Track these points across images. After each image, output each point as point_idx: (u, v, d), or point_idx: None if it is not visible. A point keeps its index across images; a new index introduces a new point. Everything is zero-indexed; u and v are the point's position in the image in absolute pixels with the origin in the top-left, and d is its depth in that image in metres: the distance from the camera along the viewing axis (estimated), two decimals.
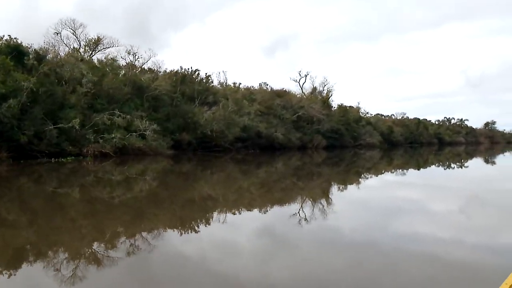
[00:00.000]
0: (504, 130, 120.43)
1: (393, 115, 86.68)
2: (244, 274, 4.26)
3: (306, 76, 58.75)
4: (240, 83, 50.52)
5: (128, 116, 26.37)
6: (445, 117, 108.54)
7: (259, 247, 5.45)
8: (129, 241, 5.96)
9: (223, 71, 69.67)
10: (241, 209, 8.60)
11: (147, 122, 27.15)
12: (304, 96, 57.58)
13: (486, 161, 30.23)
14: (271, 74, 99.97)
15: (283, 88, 52.20)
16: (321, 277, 3.92)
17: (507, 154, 42.90)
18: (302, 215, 7.49)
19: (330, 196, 11.05)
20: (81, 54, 32.29)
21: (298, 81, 59.20)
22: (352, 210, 8.44)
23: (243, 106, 38.89)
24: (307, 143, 47.05)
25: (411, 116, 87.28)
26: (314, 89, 58.16)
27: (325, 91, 58.61)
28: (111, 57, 33.40)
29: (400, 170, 21.46)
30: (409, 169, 22.20)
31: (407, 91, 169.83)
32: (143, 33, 72.65)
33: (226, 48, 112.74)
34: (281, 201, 9.91)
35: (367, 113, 73.83)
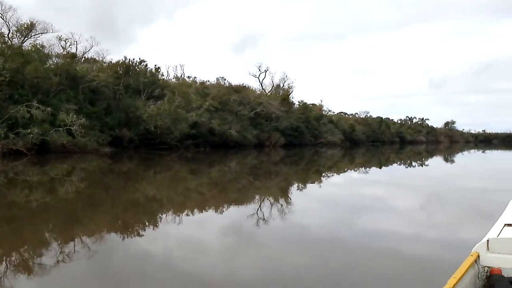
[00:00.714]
0: (463, 129, 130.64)
1: (357, 113, 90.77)
2: (209, 274, 4.37)
3: (266, 71, 59.51)
4: (196, 77, 50.11)
5: (49, 109, 24.57)
6: (407, 116, 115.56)
7: (222, 246, 5.58)
8: (61, 247, 5.70)
9: (180, 65, 67.96)
10: (195, 210, 8.48)
11: (75, 116, 25.63)
12: (264, 92, 58.26)
13: (446, 160, 32.19)
14: (239, 71, 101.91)
15: (242, 84, 52.67)
16: (286, 274, 4.12)
17: (465, 153, 45.81)
18: (262, 214, 7.62)
19: (291, 194, 11.24)
20: (7, 39, 29.79)
21: (257, 76, 59.89)
22: (315, 208, 8.68)
23: (191, 101, 38.29)
24: (264, 141, 47.57)
25: (375, 115, 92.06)
26: (277, 86, 59.18)
27: (285, 87, 59.63)
28: (46, 44, 31.44)
29: (362, 168, 22.33)
30: (371, 168, 23.14)
31: (372, 91, 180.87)
32: (109, 27, 71.61)
33: (194, 45, 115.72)
34: (238, 201, 9.88)
35: (329, 111, 76.25)
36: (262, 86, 60.09)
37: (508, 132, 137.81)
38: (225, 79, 52.60)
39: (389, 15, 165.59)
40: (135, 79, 37.16)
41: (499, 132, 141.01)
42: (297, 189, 12.92)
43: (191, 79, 49.65)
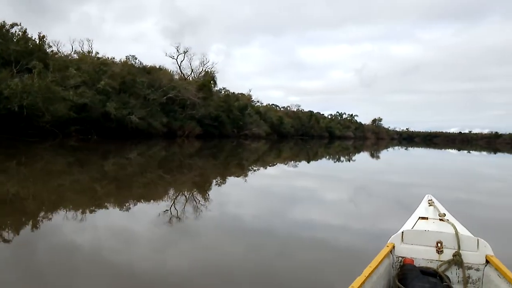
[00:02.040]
0: (389, 127, 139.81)
1: (289, 106, 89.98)
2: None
3: (185, 53, 54.22)
4: (98, 53, 43.02)
5: None
6: (337, 112, 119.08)
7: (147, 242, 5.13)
8: None
9: (88, 40, 58.68)
10: (92, 207, 7.17)
11: None
12: (183, 77, 53.43)
13: (372, 156, 32.73)
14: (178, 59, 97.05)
15: (157, 65, 47.35)
16: (218, 263, 4.26)
17: (390, 149, 47.87)
18: (181, 208, 7.21)
19: (213, 188, 10.69)
20: None
21: (175, 58, 54.72)
22: (242, 201, 8.65)
23: (71, 76, 31.64)
24: (176, 131, 43.11)
25: (307, 110, 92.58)
26: (198, 70, 54.75)
27: (207, 71, 55.24)
28: None
29: (292, 162, 21.61)
30: (300, 162, 22.40)
31: (307, 86, 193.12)
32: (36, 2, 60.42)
33: (130, 28, 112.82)
34: (149, 197, 8.65)
35: (258, 101, 73.97)
36: (180, 69, 55.25)
37: (429, 131, 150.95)
38: (136, 58, 46.40)
39: (326, 13, 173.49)
40: (3, 46, 29.93)
41: (421, 130, 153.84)
42: (220, 183, 11.96)
43: (92, 54, 42.47)
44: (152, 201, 8.19)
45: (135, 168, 14.67)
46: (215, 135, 48.32)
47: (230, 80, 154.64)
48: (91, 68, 36.53)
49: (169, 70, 50.30)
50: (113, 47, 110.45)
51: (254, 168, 16.85)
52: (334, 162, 23.71)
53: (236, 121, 55.27)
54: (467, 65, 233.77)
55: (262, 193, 9.92)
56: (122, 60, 44.59)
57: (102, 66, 37.67)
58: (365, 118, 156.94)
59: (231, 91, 64.63)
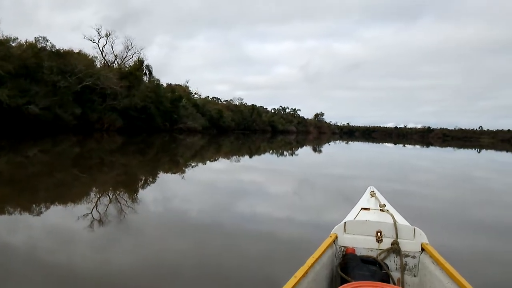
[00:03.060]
0: (331, 121, 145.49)
1: (232, 100, 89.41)
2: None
3: (107, 36, 48.88)
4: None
5: None
6: (280, 106, 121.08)
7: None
8: None
9: None
10: None
11: None
12: (107, 64, 48.96)
13: (315, 150, 33.76)
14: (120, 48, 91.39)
15: (76, 49, 42.01)
16: (164, 260, 4.25)
17: (332, 143, 49.94)
18: (97, 214, 6.36)
19: (145, 186, 10.20)
20: None
21: (97, 42, 49.74)
22: (186, 197, 8.54)
23: None
24: (94, 124, 39.22)
25: (254, 105, 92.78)
26: (139, 60, 50.63)
27: (138, 58, 50.89)
28: None
29: (232, 157, 21.20)
30: (242, 156, 22.03)
31: (254, 81, 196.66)
32: None
33: (68, 17, 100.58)
34: (62, 199, 7.69)
35: (195, 94, 72.18)
36: (103, 55, 49.92)
37: (368, 126, 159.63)
38: (47, 40, 39.02)
39: (274, 9, 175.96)
40: None
41: (361, 125, 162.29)
42: (153, 180, 11.23)
43: None
44: (72, 203, 7.30)
45: (40, 167, 12.75)
46: (142, 128, 44.85)
47: (175, 74, 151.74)
48: None
49: (89, 55, 44.73)
50: (51, 36, 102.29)
51: (192, 164, 16.19)
52: (278, 156, 23.85)
53: (169, 114, 52.02)
54: (404, 63, 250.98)
55: (205, 190, 9.69)
56: (28, 42, 37.34)
57: None
58: (308, 113, 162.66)
59: (175, 84, 62.55)
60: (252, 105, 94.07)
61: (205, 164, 17.07)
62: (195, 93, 71.64)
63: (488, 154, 36.77)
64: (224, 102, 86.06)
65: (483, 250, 5.03)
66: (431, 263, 2.46)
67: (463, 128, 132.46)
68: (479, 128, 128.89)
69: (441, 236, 5.08)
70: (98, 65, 46.62)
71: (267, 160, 21.15)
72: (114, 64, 50.09)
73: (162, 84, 57.25)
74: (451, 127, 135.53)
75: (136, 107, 44.22)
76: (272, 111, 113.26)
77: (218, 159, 19.88)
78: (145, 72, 52.79)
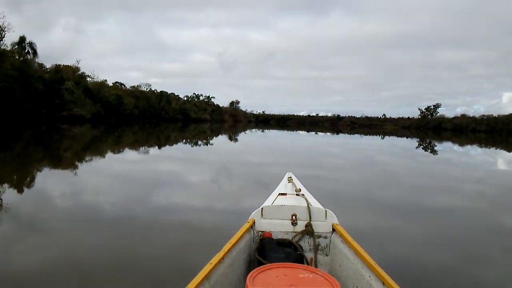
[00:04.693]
0: (246, 110, 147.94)
1: (139, 86, 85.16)
2: None
3: None
4: None
5: None
6: (193, 93, 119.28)
7: None
8: None
9: None
10: None
11: None
12: None
13: (231, 139, 34.28)
14: (17, 29, 78.63)
15: None
16: (78, 258, 4.13)
17: (248, 132, 51.51)
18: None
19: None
20: None
21: None
22: (97, 190, 8.29)
23: None
24: None
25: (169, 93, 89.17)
26: None
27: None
28: None
29: (139, 148, 20.25)
30: (150, 147, 21.21)
31: (169, 69, 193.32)
32: None
33: None
34: None
35: (89, 76, 64.19)
36: None
37: (282, 114, 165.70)
38: None
39: None
40: None
41: (275, 113, 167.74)
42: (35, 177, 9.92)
43: None
44: None
45: None
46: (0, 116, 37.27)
47: (84, 59, 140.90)
48: None
49: None
50: None
51: (87, 159, 14.31)
52: (192, 146, 23.52)
53: (46, 98, 44.92)
54: (315, 54, 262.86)
55: (114, 183, 9.32)
56: None
57: None
58: (224, 101, 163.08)
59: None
60: (161, 91, 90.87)
61: (104, 157, 15.27)
62: (89, 76, 63.86)
63: (391, 140, 40.63)
64: (130, 88, 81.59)
65: (385, 227, 5.76)
66: (340, 242, 2.71)
67: (369, 116, 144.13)
68: (382, 116, 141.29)
69: (350, 216, 5.65)
70: None
71: (180, 150, 20.80)
72: None
73: (43, 64, 50.57)
74: (358, 115, 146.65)
75: None
76: (185, 98, 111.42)
77: (122, 150, 18.58)
78: (28, 50, 47.62)
